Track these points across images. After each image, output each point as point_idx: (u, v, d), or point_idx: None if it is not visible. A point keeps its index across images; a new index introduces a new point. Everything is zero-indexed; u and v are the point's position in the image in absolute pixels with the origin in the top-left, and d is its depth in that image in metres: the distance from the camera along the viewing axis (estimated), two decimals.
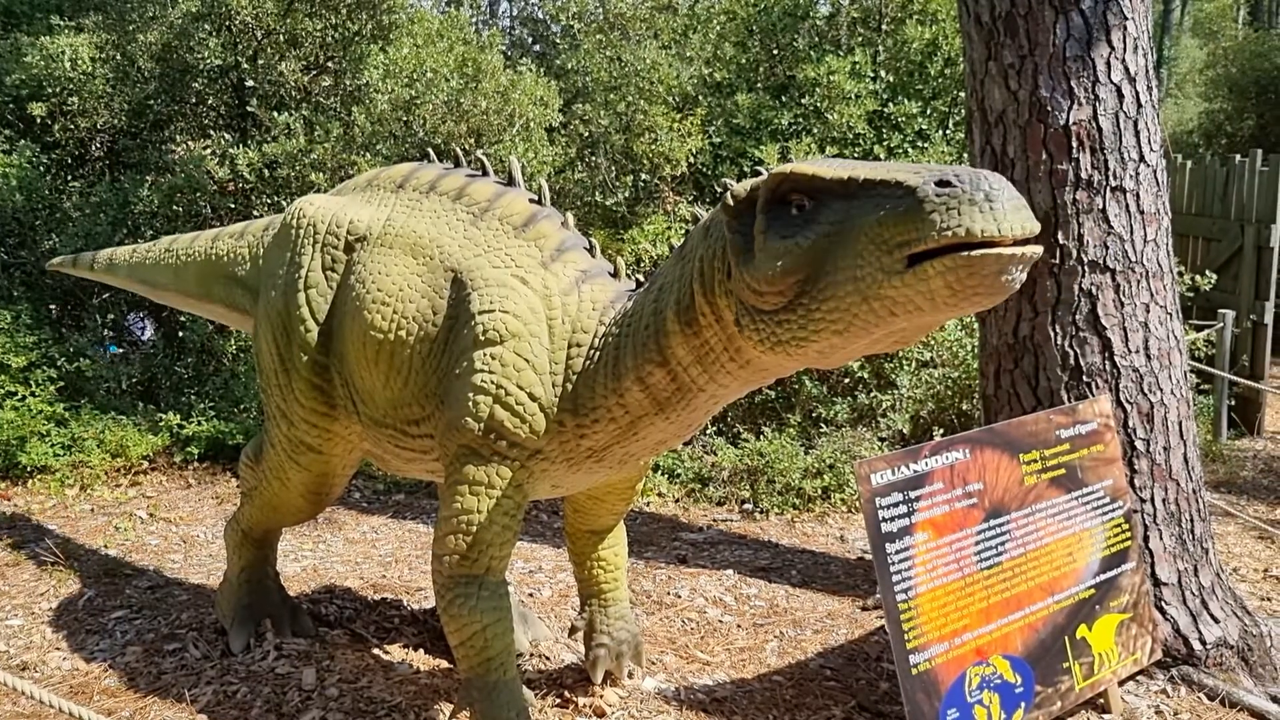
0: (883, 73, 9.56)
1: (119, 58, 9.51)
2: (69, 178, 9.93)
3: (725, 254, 2.69)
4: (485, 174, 3.83)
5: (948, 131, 9.53)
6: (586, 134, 9.63)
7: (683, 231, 8.47)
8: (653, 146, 9.00)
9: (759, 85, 9.76)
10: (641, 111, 9.23)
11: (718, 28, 10.54)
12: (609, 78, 9.72)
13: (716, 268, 2.73)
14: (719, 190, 3.01)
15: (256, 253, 4.37)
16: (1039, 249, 2.23)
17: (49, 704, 3.09)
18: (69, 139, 9.70)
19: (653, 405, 3.11)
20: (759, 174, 2.79)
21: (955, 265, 2.17)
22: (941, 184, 2.19)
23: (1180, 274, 9.02)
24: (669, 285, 2.99)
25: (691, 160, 9.29)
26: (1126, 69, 4.36)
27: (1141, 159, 4.41)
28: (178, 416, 7.57)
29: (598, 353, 3.20)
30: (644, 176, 9.27)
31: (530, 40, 18.10)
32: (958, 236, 2.15)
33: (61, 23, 9.69)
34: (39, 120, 9.29)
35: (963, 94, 7.54)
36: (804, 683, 4.44)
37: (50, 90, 9.26)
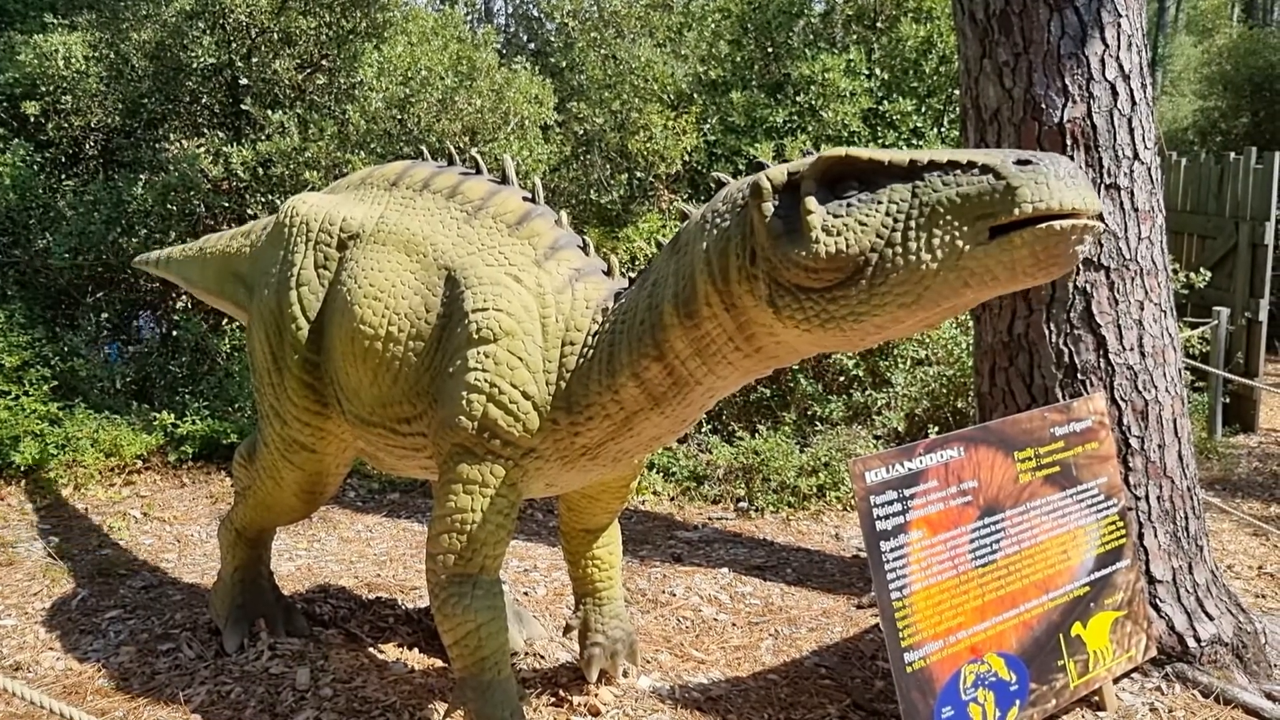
0: (877, 70, 9.57)
1: (112, 56, 9.49)
2: (63, 176, 9.91)
3: (745, 239, 2.70)
4: (479, 172, 3.83)
5: (942, 129, 9.54)
6: (581, 132, 9.63)
7: (675, 229, 8.47)
8: (647, 144, 9.00)
9: (754, 83, 9.76)
10: (636, 109, 9.23)
11: (712, 25, 10.53)
12: (603, 76, 9.71)
13: (734, 253, 2.73)
14: (713, 185, 3.01)
15: (255, 251, 4.37)
16: (1102, 226, 2.36)
17: (42, 705, 3.08)
18: (63, 137, 9.68)
19: (648, 400, 3.11)
20: (762, 166, 2.81)
21: (1044, 235, 2.28)
22: (1021, 162, 2.32)
23: (1175, 271, 9.03)
24: (663, 279, 2.99)
25: (686, 158, 9.28)
26: (1121, 66, 4.36)
27: (1136, 156, 4.41)
28: (172, 416, 7.55)
29: (591, 350, 3.20)
30: (639, 174, 9.26)
31: (525, 38, 18.09)
32: (1050, 208, 2.27)
33: (55, 21, 9.67)
34: (33, 119, 9.27)
35: (957, 91, 7.55)
36: (799, 681, 4.44)
37: (44, 89, 9.25)
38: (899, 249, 2.42)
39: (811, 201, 2.53)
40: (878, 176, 2.50)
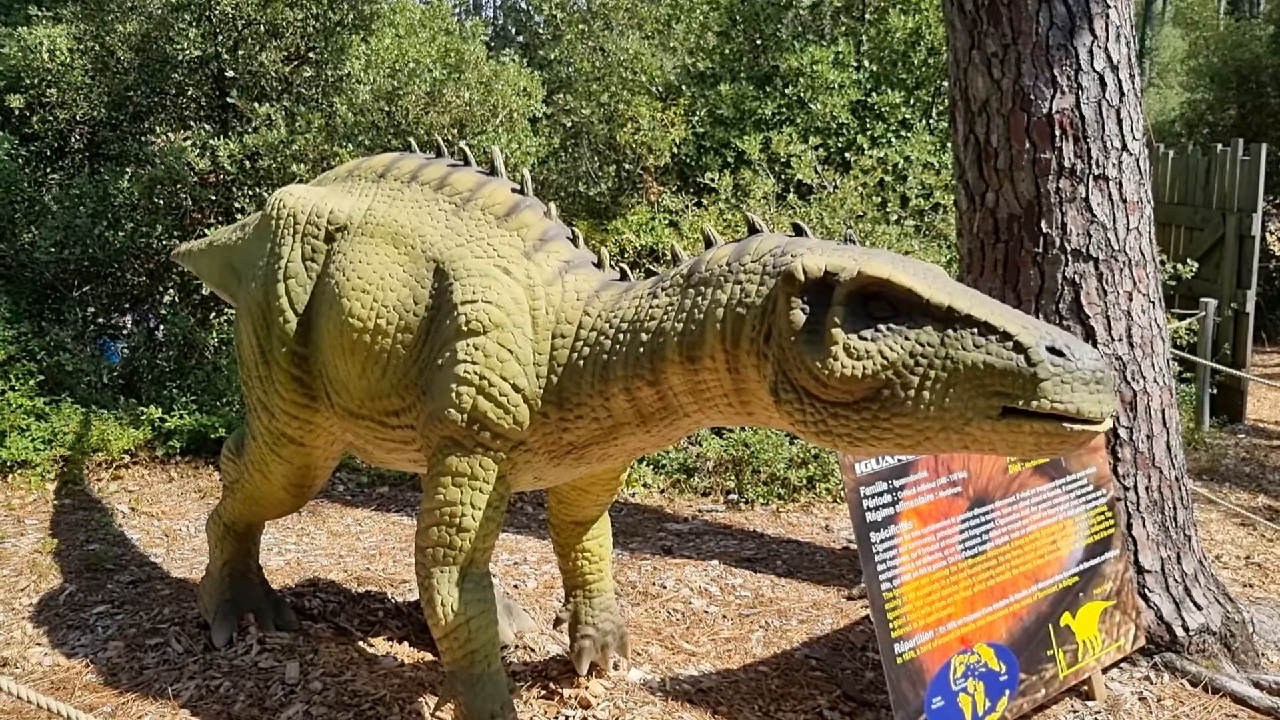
0: (866, 62, 9.56)
1: (98, 49, 9.43)
2: (48, 170, 9.86)
3: (766, 316, 2.67)
4: (467, 164, 3.81)
5: (931, 121, 9.55)
6: (570, 124, 9.61)
7: (666, 222, 8.46)
8: (635, 137, 8.99)
9: (743, 75, 9.75)
10: (624, 102, 9.21)
11: (700, 17, 10.52)
12: (591, 68, 9.69)
13: (751, 324, 2.70)
14: (749, 224, 2.96)
15: (244, 244, 4.35)
16: (1111, 424, 2.45)
17: (30, 700, 3.06)
18: (48, 131, 9.62)
19: (636, 416, 3.10)
20: (801, 230, 2.79)
21: (1053, 432, 2.30)
22: (1053, 350, 2.30)
23: (1163, 263, 9.06)
24: (674, 309, 2.95)
25: (675, 150, 9.27)
26: (1109, 57, 4.37)
27: (1124, 147, 4.41)
28: (159, 410, 7.51)
29: (586, 346, 3.18)
30: (627, 167, 9.25)
31: (514, 31, 18.05)
32: (1068, 412, 2.28)
33: (39, 13, 9.61)
34: (17, 112, 9.21)
35: (946, 83, 7.56)
36: (789, 672, 4.44)
37: (28, 82, 9.19)
38: (912, 394, 2.41)
39: (839, 317, 2.48)
40: (912, 309, 2.46)
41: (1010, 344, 2.34)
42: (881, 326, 2.46)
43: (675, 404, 2.99)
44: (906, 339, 2.43)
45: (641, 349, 2.99)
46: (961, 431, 2.39)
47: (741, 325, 2.72)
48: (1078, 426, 2.28)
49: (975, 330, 2.38)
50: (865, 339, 2.45)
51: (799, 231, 2.83)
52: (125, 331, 9.35)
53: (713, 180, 8.52)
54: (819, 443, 2.64)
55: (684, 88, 9.86)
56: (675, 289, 2.99)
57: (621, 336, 3.07)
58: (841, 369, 2.45)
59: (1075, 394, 2.27)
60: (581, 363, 3.17)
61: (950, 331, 2.40)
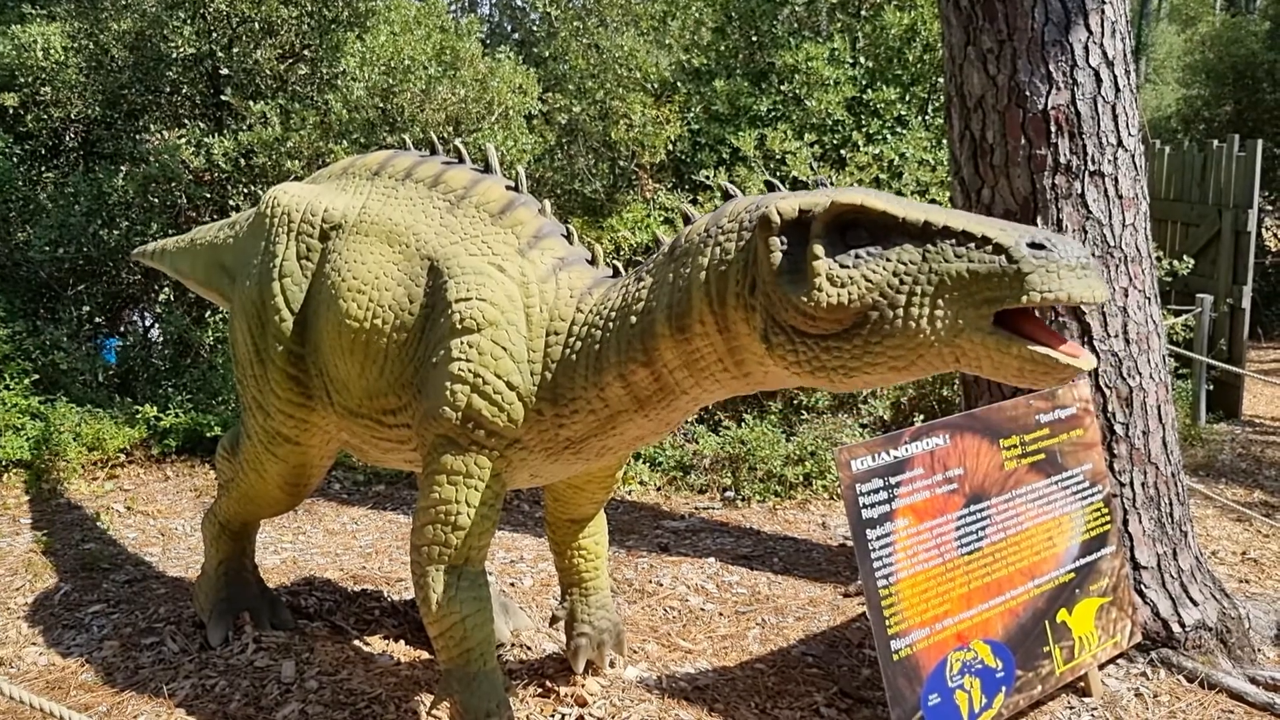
0: (862, 59, 9.56)
1: (92, 46, 9.41)
2: (43, 168, 9.84)
3: (747, 267, 2.68)
4: (462, 161, 3.80)
5: (927, 117, 9.54)
6: (565, 121, 9.60)
7: (661, 219, 8.45)
8: (630, 134, 8.98)
9: (738, 72, 9.74)
10: (619, 99, 9.20)
11: (695, 14, 10.50)
12: (586, 65, 9.68)
13: (734, 279, 2.71)
14: (722, 190, 2.97)
15: (238, 242, 4.34)
16: (1095, 363, 2.46)
17: (24, 701, 3.05)
18: (42, 129, 9.60)
19: (633, 402, 3.09)
20: (774, 186, 2.77)
21: (1039, 360, 2.30)
22: (1034, 245, 2.30)
23: (1159, 259, 9.06)
24: (659, 285, 2.96)
25: (670, 147, 9.26)
26: (1104, 53, 4.36)
27: (1120, 144, 4.41)
28: (155, 409, 7.50)
29: (579, 342, 3.18)
30: (622, 164, 9.24)
31: (509, 28, 18.03)
32: (1058, 300, 2.26)
33: (33, 11, 9.58)
34: (11, 111, 9.19)
35: (942, 79, 7.54)
36: (786, 670, 4.44)
37: (22, 80, 9.16)
38: (900, 312, 2.41)
39: (819, 249, 2.49)
40: (889, 231, 2.47)
41: (990, 247, 2.34)
42: (861, 252, 2.47)
43: (671, 382, 2.98)
44: (888, 260, 2.44)
45: (632, 331, 2.99)
46: (953, 345, 2.38)
47: (725, 282, 2.73)
48: (1063, 359, 2.27)
49: (954, 241, 2.39)
50: (847, 266, 2.47)
51: (771, 188, 2.83)
52: (130, 329, 9.33)
53: (708, 177, 8.52)
54: (816, 381, 2.63)
55: (679, 84, 9.85)
56: (659, 268, 3.00)
57: (611, 325, 3.07)
58: (827, 298, 2.46)
59: (1062, 281, 2.27)
60: (574, 357, 3.16)
61: (930, 246, 2.41)
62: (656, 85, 9.84)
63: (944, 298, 2.37)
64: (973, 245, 2.36)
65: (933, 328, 2.39)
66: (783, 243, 2.57)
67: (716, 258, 2.77)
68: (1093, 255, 2.36)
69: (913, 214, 2.44)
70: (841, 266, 2.47)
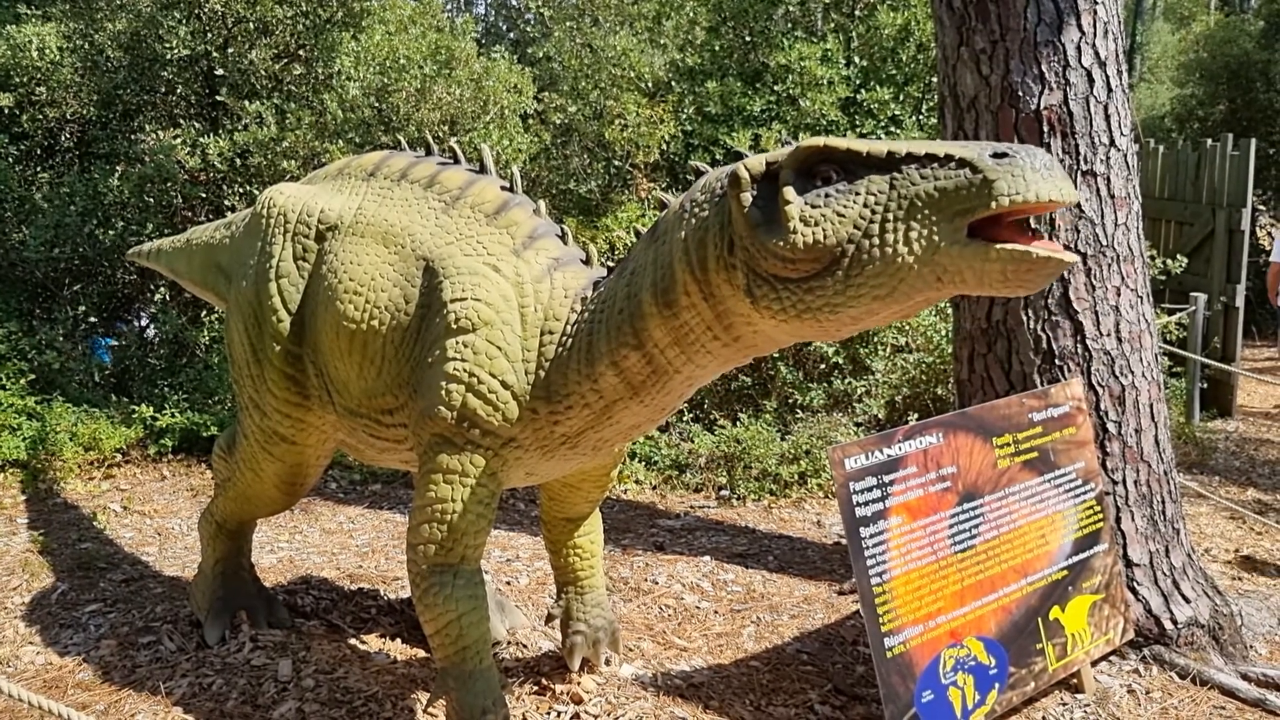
0: (856, 58, 9.57)
1: (87, 47, 9.42)
2: (38, 168, 9.84)
3: (724, 228, 2.71)
4: (456, 162, 3.82)
5: (921, 117, 9.56)
6: (559, 121, 9.61)
7: (654, 217, 8.47)
8: (624, 134, 8.99)
9: (732, 71, 9.76)
10: (613, 99, 9.21)
11: (689, 13, 10.52)
12: (580, 65, 9.69)
13: (712, 243, 2.74)
14: (692, 175, 3.00)
15: (234, 242, 4.35)
16: (1077, 258, 2.45)
17: (22, 699, 3.07)
18: (37, 129, 9.60)
19: (627, 389, 3.11)
20: (739, 155, 2.80)
21: (1018, 257, 2.30)
22: (998, 155, 2.33)
23: (1153, 258, 9.08)
24: (642, 268, 2.99)
25: (664, 147, 9.28)
26: (1097, 53, 4.38)
27: (1112, 143, 4.43)
28: (151, 409, 7.50)
29: (570, 339, 3.20)
30: (616, 163, 9.25)
31: (504, 28, 18.03)
32: (1027, 201, 2.28)
33: (28, 11, 9.58)
34: (6, 111, 9.19)
35: (935, 79, 7.55)
36: (781, 667, 4.46)
37: (17, 80, 9.16)
38: (876, 241, 2.44)
39: (789, 191, 2.54)
40: (855, 167, 2.51)
41: (954, 163, 2.37)
42: (829, 190, 2.51)
43: (663, 362, 2.99)
44: (856, 193, 2.47)
45: (620, 316, 3.02)
46: (932, 264, 2.40)
47: (705, 249, 2.76)
48: (1042, 253, 2.29)
49: (918, 164, 2.43)
50: (818, 205, 2.51)
51: (738, 157, 2.86)
52: (127, 328, 9.32)
53: (691, 176, 8.53)
54: (804, 330, 2.66)
55: (673, 84, 9.86)
56: (640, 253, 3.04)
57: (600, 315, 3.10)
58: (803, 238, 2.49)
59: (1029, 183, 2.28)
60: (567, 355, 3.18)
61: (896, 173, 2.44)
62: (651, 85, 9.86)
63: (916, 219, 2.40)
64: (936, 165, 2.40)
65: (909, 249, 2.41)
66: (754, 194, 2.62)
67: (693, 227, 2.81)
68: (1062, 165, 2.37)
69: (875, 147, 2.49)
70: (813, 206, 2.51)
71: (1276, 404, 10.61)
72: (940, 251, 2.38)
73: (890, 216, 2.43)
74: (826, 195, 2.51)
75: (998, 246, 2.31)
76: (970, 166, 2.34)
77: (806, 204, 2.52)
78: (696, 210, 2.82)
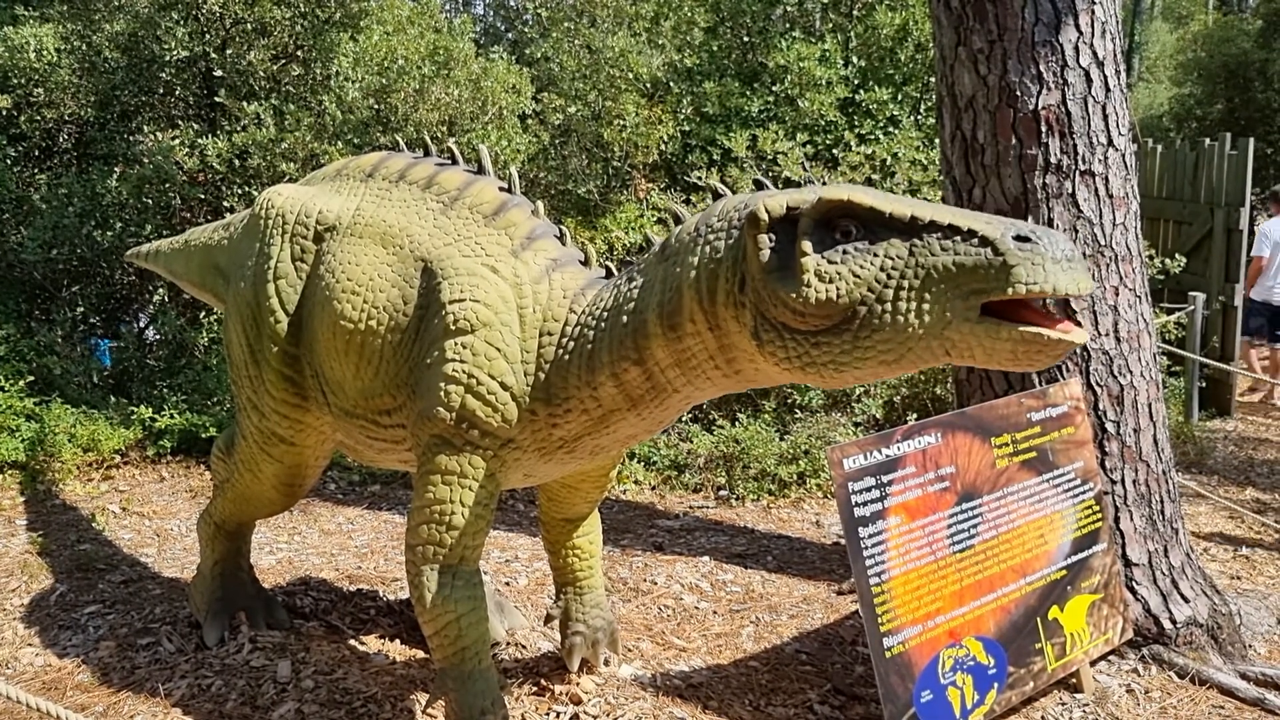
0: (854, 59, 9.58)
1: (85, 48, 9.41)
2: (36, 170, 9.83)
3: (737, 264, 2.69)
4: (455, 162, 3.82)
5: (919, 117, 9.56)
6: (558, 122, 9.61)
7: (654, 219, 8.47)
8: (622, 134, 8.99)
9: (730, 72, 9.76)
10: (611, 99, 9.22)
11: (688, 13, 10.52)
12: (578, 65, 9.69)
13: (724, 276, 2.72)
14: (711, 190, 2.98)
15: (232, 243, 4.35)
16: (1088, 337, 2.47)
17: (20, 701, 3.06)
18: (35, 130, 9.60)
19: (625, 401, 3.11)
20: (763, 185, 2.80)
21: (1030, 339, 2.30)
22: (1020, 238, 2.31)
23: (1151, 257, 9.09)
24: (651, 284, 2.97)
25: (662, 147, 9.28)
26: (1095, 53, 4.38)
27: (1110, 143, 4.43)
28: (150, 410, 7.50)
29: (572, 342, 3.19)
30: (615, 164, 9.25)
31: (503, 28, 18.03)
32: (1043, 292, 2.28)
33: (26, 13, 9.57)
34: (4, 112, 9.18)
35: (933, 79, 7.55)
36: (780, 667, 4.46)
37: (16, 81, 9.15)
38: (889, 307, 2.43)
39: (807, 245, 2.51)
40: (877, 226, 2.48)
41: (976, 240, 2.36)
42: (848, 247, 2.49)
43: (663, 380, 2.99)
44: (875, 255, 2.45)
45: (624, 330, 3.00)
46: (942, 338, 2.39)
47: (715, 280, 2.74)
48: (1054, 335, 2.28)
49: (940, 234, 2.40)
50: (835, 262, 2.48)
51: (760, 186, 2.85)
52: (126, 330, 9.32)
53: (699, 178, 8.54)
54: (805, 377, 2.65)
55: (671, 84, 9.86)
56: (650, 268, 3.01)
57: (604, 324, 3.09)
58: (816, 294, 2.47)
59: (1047, 273, 2.28)
60: (567, 358, 3.18)
61: (917, 240, 2.42)
62: (649, 85, 9.86)
63: (931, 290, 2.39)
64: (959, 238, 2.38)
65: (921, 321, 2.40)
66: (771, 239, 2.59)
67: (706, 256, 2.78)
68: (1082, 254, 2.36)
69: (899, 209, 2.46)
70: (829, 262, 2.48)
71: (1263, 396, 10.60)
72: (951, 326, 2.38)
73: (906, 284, 2.41)
74: (845, 252, 2.49)
75: (1009, 327, 2.32)
76: (992, 247, 2.33)
77: (824, 259, 2.49)
78: (711, 238, 2.79)
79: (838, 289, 2.46)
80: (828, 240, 2.51)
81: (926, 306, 2.39)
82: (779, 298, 2.54)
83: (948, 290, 2.37)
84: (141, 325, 9.48)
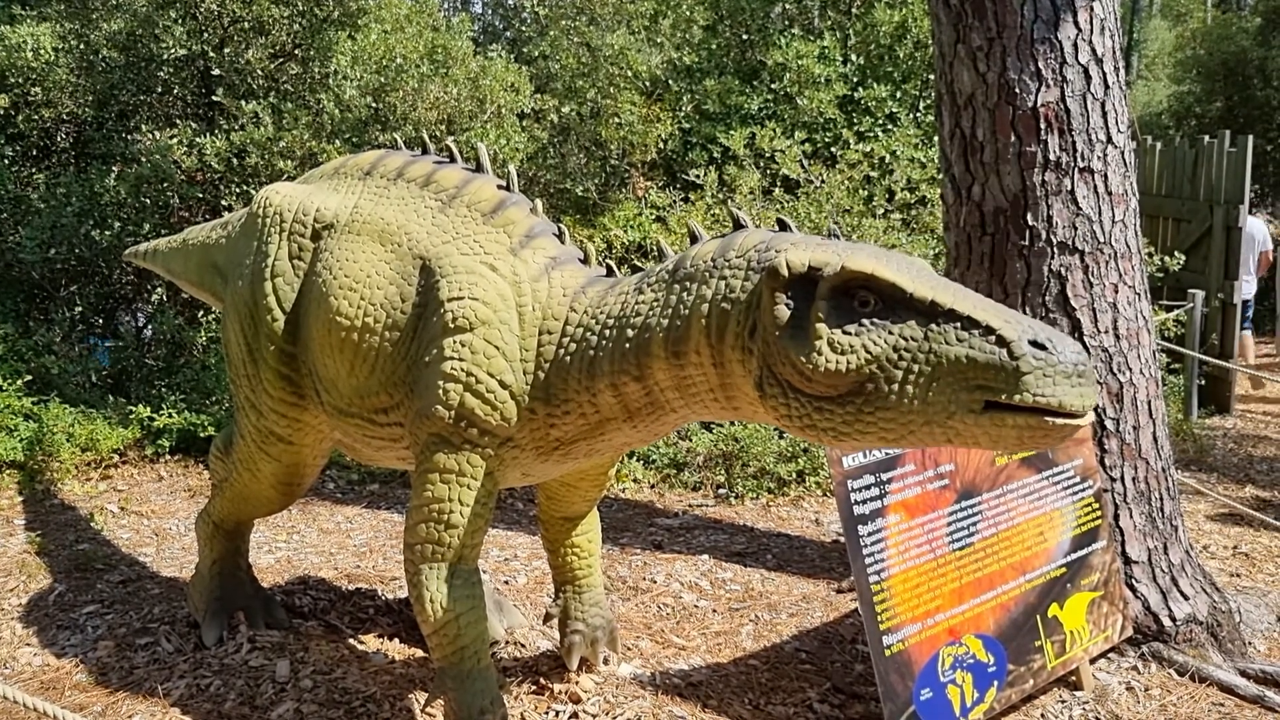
0: (853, 56, 9.57)
1: (82, 47, 9.40)
2: (34, 169, 9.82)
3: (751, 311, 2.68)
4: (453, 161, 3.81)
5: (918, 114, 9.56)
6: (556, 120, 9.60)
7: (653, 218, 8.46)
8: (620, 133, 8.99)
9: (729, 70, 9.75)
10: (610, 98, 9.21)
11: (687, 11, 10.51)
12: (577, 64, 9.69)
13: (736, 320, 2.71)
14: (734, 219, 2.97)
15: (230, 242, 4.35)
16: (1093, 418, 2.48)
17: (18, 701, 3.06)
18: (33, 130, 9.58)
19: (623, 411, 3.11)
20: (786, 226, 2.78)
21: (1036, 426, 2.31)
22: (1035, 345, 2.32)
23: (1150, 255, 9.08)
24: (659, 305, 2.95)
25: (661, 146, 9.27)
26: (1094, 50, 4.38)
27: (1109, 140, 4.43)
28: (148, 409, 7.49)
29: (573, 343, 3.18)
30: (614, 162, 9.25)
31: (501, 26, 18.01)
32: (1050, 405, 2.29)
33: (23, 12, 9.55)
34: (2, 111, 9.17)
35: (933, 77, 7.53)
36: (779, 666, 4.46)
37: (13, 80, 9.14)
38: (896, 388, 2.42)
39: (823, 311, 2.50)
40: (895, 304, 2.47)
41: (994, 338, 2.35)
42: (865, 321, 2.47)
43: (661, 399, 2.99)
44: (890, 333, 2.44)
45: (628, 345, 2.99)
46: (945, 425, 2.40)
47: (726, 320, 2.73)
48: (1060, 420, 2.29)
49: (959, 325, 2.39)
50: (849, 333, 2.47)
51: (783, 227, 2.84)
52: (125, 329, 9.31)
53: (698, 176, 8.53)
54: (804, 436, 2.64)
55: (670, 82, 9.86)
56: (661, 285, 2.99)
57: (608, 333, 3.07)
58: (826, 364, 2.46)
59: (1057, 387, 2.29)
60: (568, 359, 3.17)
61: (934, 326, 2.41)
62: (648, 84, 9.85)
63: (939, 379, 2.39)
64: (976, 332, 2.37)
65: (925, 405, 2.40)
66: (789, 296, 2.57)
67: (720, 293, 2.77)
68: (1094, 369, 2.37)
69: (921, 290, 2.45)
70: (844, 333, 2.47)
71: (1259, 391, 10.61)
72: (955, 417, 2.38)
73: (917, 369, 2.41)
74: (860, 325, 2.47)
75: (1012, 416, 2.33)
76: (1008, 349, 2.32)
77: (838, 329, 2.48)
78: (729, 274, 2.78)
79: (849, 362, 2.46)
80: (844, 306, 2.50)
81: (932, 394, 2.39)
82: (789, 358, 2.53)
83: (956, 381, 2.38)
84: (140, 324, 9.47)
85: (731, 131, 8.72)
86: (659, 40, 10.46)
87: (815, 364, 2.47)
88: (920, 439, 2.47)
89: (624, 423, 3.13)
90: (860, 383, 2.45)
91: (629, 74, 9.39)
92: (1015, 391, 2.30)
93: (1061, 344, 2.33)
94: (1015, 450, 2.41)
